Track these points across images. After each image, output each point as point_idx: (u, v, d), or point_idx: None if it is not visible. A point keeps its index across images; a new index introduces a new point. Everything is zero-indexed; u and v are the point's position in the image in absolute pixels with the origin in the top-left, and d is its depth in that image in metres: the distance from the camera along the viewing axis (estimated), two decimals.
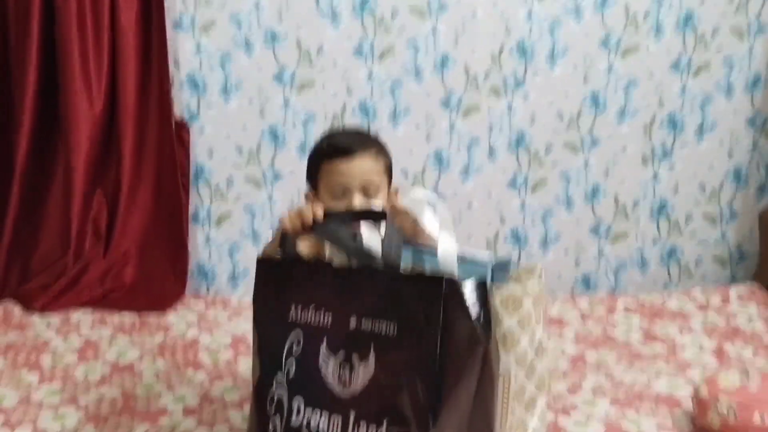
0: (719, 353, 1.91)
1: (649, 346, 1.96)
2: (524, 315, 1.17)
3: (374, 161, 1.43)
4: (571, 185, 2.45)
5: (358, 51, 2.29)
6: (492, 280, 1.22)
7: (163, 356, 1.85)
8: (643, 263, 2.52)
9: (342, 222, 1.25)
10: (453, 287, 1.08)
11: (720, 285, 2.45)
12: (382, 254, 1.15)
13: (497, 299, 1.17)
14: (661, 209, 2.48)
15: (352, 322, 1.13)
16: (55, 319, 2.08)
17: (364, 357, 1.10)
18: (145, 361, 1.82)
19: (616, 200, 2.47)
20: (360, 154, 1.41)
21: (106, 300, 2.23)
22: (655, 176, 2.46)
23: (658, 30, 2.35)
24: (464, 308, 1.09)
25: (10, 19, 2.17)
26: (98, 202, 2.31)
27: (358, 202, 1.39)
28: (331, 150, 1.42)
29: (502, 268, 1.26)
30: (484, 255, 1.27)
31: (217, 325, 2.07)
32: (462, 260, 1.24)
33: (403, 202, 1.33)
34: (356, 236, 1.22)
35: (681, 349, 1.94)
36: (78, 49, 2.16)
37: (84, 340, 1.94)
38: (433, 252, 1.19)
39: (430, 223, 1.19)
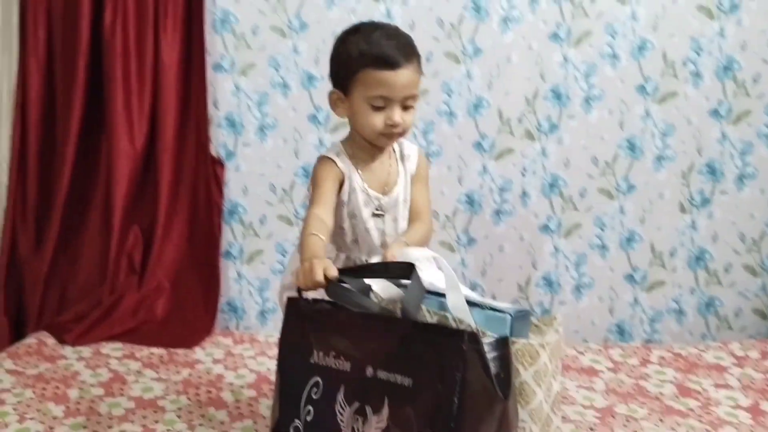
0: (755, 411, 1.83)
1: (681, 401, 1.89)
2: (540, 368, 1.15)
3: (416, 73, 1.39)
4: (606, 231, 2.41)
5: None
6: (512, 332, 1.20)
7: (186, 393, 1.87)
8: (680, 313, 2.45)
9: (356, 278, 1.22)
10: (473, 341, 1.05)
11: (760, 338, 2.37)
12: (402, 308, 1.13)
13: (513, 351, 1.15)
14: (699, 258, 2.42)
15: (369, 371, 1.12)
16: (87, 350, 2.11)
17: (377, 409, 1.08)
18: (168, 398, 1.83)
19: (653, 248, 2.42)
20: (406, 65, 1.35)
21: (137, 333, 2.26)
22: (693, 224, 2.40)
23: (696, 76, 2.32)
24: (484, 364, 1.06)
25: (58, 55, 2.26)
26: (134, 236, 2.36)
27: (398, 118, 1.37)
28: (377, 58, 1.33)
29: (522, 319, 1.24)
30: (503, 305, 1.25)
31: (242, 363, 2.08)
32: (481, 309, 1.22)
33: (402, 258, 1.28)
34: (370, 292, 1.21)
35: (715, 405, 1.87)
36: (122, 88, 2.24)
37: (112, 374, 1.96)
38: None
39: (436, 279, 1.19)
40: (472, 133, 2.35)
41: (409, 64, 1.36)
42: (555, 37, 2.31)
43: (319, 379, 1.21)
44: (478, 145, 2.36)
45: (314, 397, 1.21)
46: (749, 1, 2.28)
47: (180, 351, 2.15)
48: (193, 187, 2.35)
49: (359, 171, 1.46)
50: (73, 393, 1.84)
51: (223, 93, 2.34)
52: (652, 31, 2.30)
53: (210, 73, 2.31)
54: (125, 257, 2.34)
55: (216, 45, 2.31)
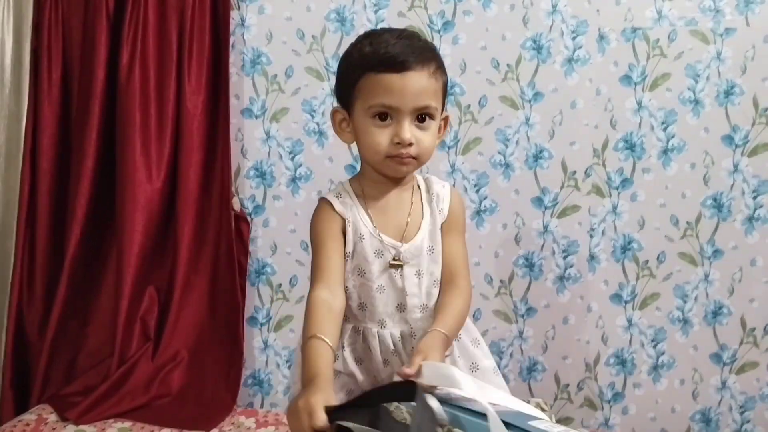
0: None
1: None
2: None
3: (433, 79, 1.10)
4: (689, 303, 2.07)
5: (440, 143, 2.05)
6: None
7: None
8: None
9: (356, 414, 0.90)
10: None
11: None
12: None
13: None
14: None
15: None
16: (90, 430, 1.86)
17: None
18: None
19: (743, 323, 2.07)
20: (417, 68, 1.07)
21: (149, 409, 2.00)
22: None
23: None
24: None
25: (73, 97, 2.07)
26: (149, 299, 2.12)
27: (408, 133, 1.08)
28: (378, 58, 1.07)
29: None
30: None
31: None
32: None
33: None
34: (377, 419, 0.90)
35: None
36: (139, 134, 2.02)
37: None
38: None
39: (469, 387, 0.88)
40: (532, 188, 2.07)
41: (421, 67, 1.08)
42: (627, 79, 2.03)
43: None
44: (539, 201, 2.07)
45: None
46: None
47: None
48: (215, 246, 2.10)
49: (369, 212, 1.17)
50: None
51: (252, 141, 2.11)
52: (740, 74, 2.00)
53: (238, 119, 2.09)
54: (138, 322, 2.10)
55: (245, 88, 2.09)
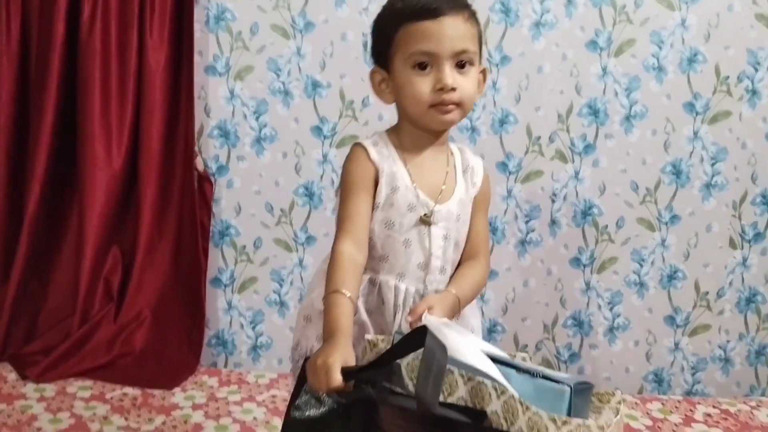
0: None
1: None
2: None
3: (470, 25, 1.10)
4: (645, 267, 2.13)
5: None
6: (570, 410, 0.92)
7: None
8: (726, 362, 2.16)
9: (370, 372, 0.91)
10: None
11: None
12: (416, 393, 0.84)
13: None
14: (750, 300, 2.14)
15: None
16: (51, 389, 1.86)
17: None
18: None
19: (697, 287, 2.13)
20: (452, 13, 1.08)
21: (111, 369, 2.01)
22: (744, 262, 2.12)
23: (753, 94, 2.04)
24: None
25: (32, 52, 2.01)
26: (112, 259, 2.10)
27: (450, 78, 1.08)
28: (412, 9, 1.09)
29: (583, 394, 0.95)
30: (558, 374, 0.97)
31: (226, 410, 1.81)
32: (531, 377, 0.94)
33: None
34: (392, 375, 0.92)
35: None
36: (100, 90, 1.99)
37: (74, 420, 1.70)
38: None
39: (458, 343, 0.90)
40: (497, 152, 2.08)
41: (456, 12, 1.08)
42: (593, 45, 2.04)
43: None
44: (503, 166, 2.09)
45: None
46: None
47: (157, 392, 1.90)
48: (179, 206, 2.09)
49: (407, 166, 1.15)
50: None
51: (216, 99, 2.08)
52: (704, 42, 2.03)
53: (201, 76, 2.06)
54: (102, 282, 2.08)
55: (209, 45, 2.05)
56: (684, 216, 2.11)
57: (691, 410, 1.94)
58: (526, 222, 2.12)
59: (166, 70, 2.03)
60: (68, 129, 2.02)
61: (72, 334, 2.02)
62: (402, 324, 1.15)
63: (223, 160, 2.11)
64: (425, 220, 1.15)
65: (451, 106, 1.10)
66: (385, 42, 1.12)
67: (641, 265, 2.13)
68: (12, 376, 1.92)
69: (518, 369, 0.95)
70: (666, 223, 2.11)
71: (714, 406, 1.97)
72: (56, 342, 2.02)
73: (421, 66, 1.09)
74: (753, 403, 1.99)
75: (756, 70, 2.04)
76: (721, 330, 2.15)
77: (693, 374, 2.17)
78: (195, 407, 1.82)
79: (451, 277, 1.19)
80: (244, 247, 2.13)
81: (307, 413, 0.97)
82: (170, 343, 2.09)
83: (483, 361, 0.93)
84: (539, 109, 2.06)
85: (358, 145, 1.16)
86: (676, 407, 1.96)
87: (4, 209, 2.06)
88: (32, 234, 2.04)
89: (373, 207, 1.14)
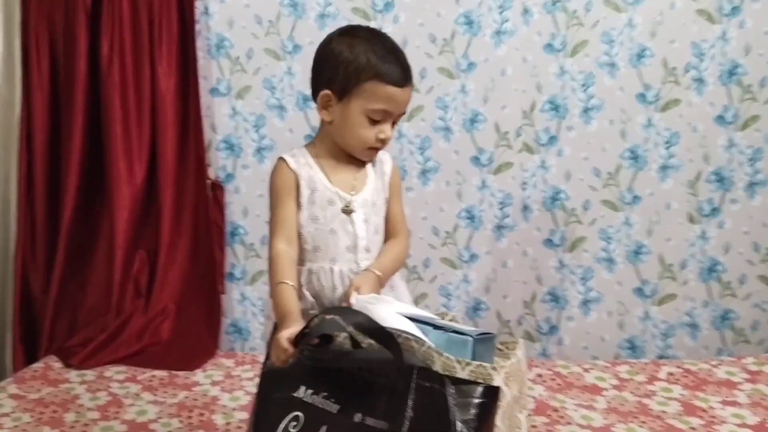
0: (761, 430, 1.75)
1: (684, 420, 1.82)
2: None
3: (411, 90, 1.36)
4: (612, 244, 2.35)
5: None
6: (474, 356, 1.17)
7: (179, 416, 1.88)
8: (693, 327, 2.36)
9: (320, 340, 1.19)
10: (425, 379, 1.04)
11: None
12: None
13: (464, 375, 1.11)
14: (711, 270, 2.34)
15: (357, 417, 1.09)
16: (91, 374, 2.15)
17: None
18: (161, 421, 1.85)
19: (662, 260, 2.34)
20: (410, 83, 1.34)
21: (142, 356, 2.29)
22: (704, 235, 2.32)
23: (700, 82, 2.25)
24: (440, 404, 1.03)
25: (60, 87, 2.33)
26: (140, 261, 2.40)
27: (390, 133, 1.34)
28: (388, 74, 1.30)
29: (485, 342, 1.20)
30: (467, 328, 1.22)
31: (239, 385, 2.08)
32: (444, 332, 1.20)
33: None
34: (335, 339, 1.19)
35: (720, 423, 1.79)
36: (120, 115, 2.29)
37: (111, 397, 1.99)
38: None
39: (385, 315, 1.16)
40: (470, 148, 2.33)
41: (410, 83, 1.35)
42: (550, 48, 2.27)
43: (300, 414, 1.18)
44: (476, 160, 2.33)
45: (291, 430, 1.18)
46: (752, 2, 2.20)
47: (181, 373, 2.17)
48: (194, 211, 2.38)
49: (324, 169, 1.39)
50: (69, 417, 1.87)
51: (221, 117, 2.37)
52: (650, 38, 2.25)
53: (207, 98, 2.35)
54: (131, 281, 2.38)
55: (212, 70, 2.35)
56: (644, 196, 2.32)
57: (656, 371, 2.14)
58: (501, 209, 2.35)
59: (176, 94, 2.33)
60: (95, 150, 2.33)
61: (107, 328, 2.32)
62: (342, 302, 1.37)
63: (230, 169, 2.39)
64: (346, 210, 1.37)
65: (379, 150, 1.39)
66: (348, 81, 1.32)
67: (609, 243, 2.35)
68: (57, 365, 2.21)
69: (434, 326, 1.20)
70: (629, 204, 2.33)
71: (678, 366, 2.17)
72: (94, 335, 2.31)
73: (375, 118, 1.33)
74: (714, 363, 2.18)
75: (701, 60, 2.25)
76: (687, 298, 2.35)
77: (664, 340, 2.37)
78: (213, 383, 2.10)
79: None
80: (252, 244, 2.42)
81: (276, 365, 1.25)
82: (192, 332, 2.37)
83: (404, 323, 1.17)
84: (505, 108, 2.30)
85: (280, 159, 1.40)
86: (643, 369, 2.16)
87: (44, 222, 2.37)
88: (69, 242, 2.34)
89: (299, 206, 1.37)
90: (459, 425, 1.03)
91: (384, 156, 1.46)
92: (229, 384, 2.10)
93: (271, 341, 1.25)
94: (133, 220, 2.38)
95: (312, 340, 1.17)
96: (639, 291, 2.36)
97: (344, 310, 1.19)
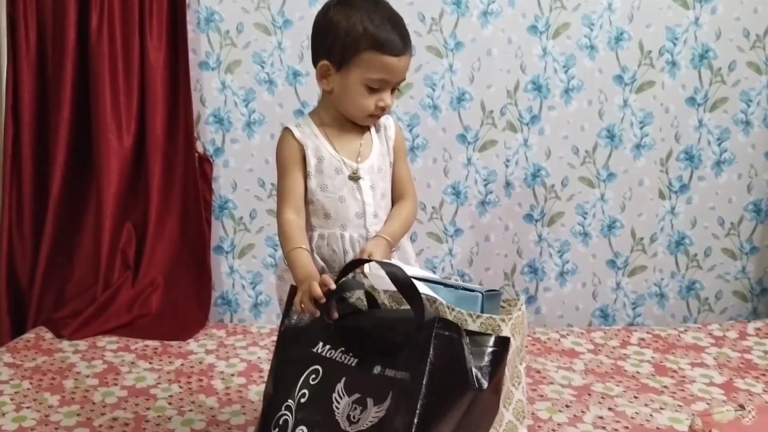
0: (728, 388, 1.90)
1: (657, 379, 1.95)
2: None
3: (410, 58, 1.40)
4: (588, 219, 2.47)
5: None
6: (482, 310, 1.26)
7: (178, 382, 1.93)
8: (661, 297, 2.51)
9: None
10: (445, 329, 1.11)
11: (740, 320, 2.43)
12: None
13: (475, 327, 1.20)
14: (679, 243, 2.48)
15: (377, 369, 1.15)
16: (83, 344, 2.18)
17: (379, 401, 1.11)
18: (160, 386, 1.90)
19: (633, 234, 2.47)
20: (407, 52, 1.35)
21: (132, 327, 2.32)
22: (673, 210, 2.46)
23: (673, 65, 2.37)
24: (456, 352, 1.11)
25: (48, 57, 2.31)
26: (127, 234, 2.41)
27: (389, 99, 1.37)
28: (385, 43, 1.32)
29: (492, 298, 1.30)
30: (475, 286, 1.31)
31: (234, 353, 2.14)
32: (454, 290, 1.29)
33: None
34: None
35: (690, 382, 1.93)
36: (109, 88, 2.29)
37: (106, 365, 2.02)
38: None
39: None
40: (456, 126, 2.41)
41: (408, 50, 1.37)
42: (533, 29, 2.36)
43: (319, 367, 1.23)
44: (462, 138, 2.42)
45: (311, 382, 1.23)
46: None
47: (174, 343, 2.21)
48: (183, 185, 2.40)
49: (329, 138, 1.43)
50: (68, 383, 1.90)
51: (210, 90, 2.39)
52: (628, 22, 2.35)
53: (196, 71, 2.37)
54: (119, 254, 2.40)
55: (202, 43, 2.36)
56: (619, 173, 2.44)
57: (627, 337, 2.27)
58: (485, 185, 2.45)
59: (165, 67, 2.34)
60: (83, 122, 2.32)
61: (96, 299, 2.34)
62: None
63: (219, 143, 2.42)
64: (353, 177, 1.42)
65: (381, 117, 1.43)
66: (345, 51, 1.34)
67: (585, 218, 2.47)
68: (48, 335, 2.22)
69: (445, 285, 1.28)
70: (604, 181, 2.45)
71: (648, 332, 2.31)
72: (83, 307, 2.33)
73: (373, 87, 1.36)
74: (682, 329, 2.33)
75: (674, 44, 2.37)
76: (656, 270, 2.50)
77: (633, 309, 2.51)
78: (207, 352, 2.14)
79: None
80: (242, 218, 2.46)
81: (295, 322, 1.32)
82: (182, 304, 2.40)
83: (417, 283, 1.25)
84: (491, 87, 2.39)
85: (285, 129, 1.45)
86: (616, 335, 2.29)
87: (31, 195, 2.36)
88: (56, 215, 2.35)
89: (308, 176, 1.41)
90: (474, 371, 1.12)
91: (387, 121, 1.50)
92: (224, 352, 2.15)
93: (288, 300, 1.32)
94: (121, 193, 2.39)
95: (336, 299, 1.25)
96: (611, 263, 2.49)
97: (381, 263, 1.25)
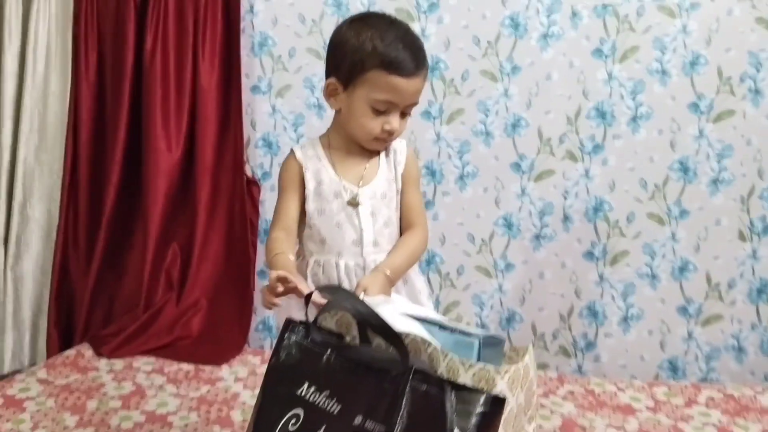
0: None
1: None
2: None
3: (424, 81, 1.31)
4: (657, 260, 2.24)
5: (426, 114, 2.27)
6: (479, 358, 1.12)
7: (198, 410, 1.87)
8: (739, 351, 2.23)
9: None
10: (422, 381, 0.99)
11: None
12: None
13: (468, 377, 1.06)
14: (761, 291, 2.21)
15: (358, 420, 1.07)
16: (120, 363, 2.17)
17: None
18: (179, 414, 1.85)
19: (708, 279, 2.23)
20: (418, 74, 1.27)
21: (172, 348, 2.30)
22: (754, 254, 2.20)
23: (756, 93, 2.14)
24: (435, 409, 0.98)
25: (106, 80, 2.37)
26: (172, 253, 2.41)
27: (396, 123, 1.29)
28: (392, 62, 1.24)
29: (492, 346, 1.15)
30: (475, 330, 1.17)
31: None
32: (451, 333, 1.16)
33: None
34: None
35: None
36: (160, 109, 2.31)
37: (135, 387, 2.00)
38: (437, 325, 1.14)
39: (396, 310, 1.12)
40: (510, 154, 2.27)
41: (421, 72, 1.28)
42: (598, 53, 2.20)
43: (300, 413, 1.16)
44: (516, 166, 2.27)
45: (290, 428, 1.16)
46: None
47: (207, 368, 2.17)
48: (230, 207, 2.38)
49: (332, 160, 1.36)
50: (91, 404, 1.88)
51: (260, 114, 2.37)
52: (705, 46, 2.15)
53: (248, 95, 2.35)
54: (163, 274, 2.40)
55: (254, 67, 2.35)
56: (693, 210, 2.21)
57: (695, 394, 2.03)
58: (540, 218, 2.28)
59: (217, 90, 2.34)
60: (136, 142, 2.36)
61: (139, 319, 2.35)
62: None
63: (267, 167, 2.39)
64: (352, 203, 1.34)
65: (389, 141, 1.35)
66: (352, 69, 1.27)
67: (653, 258, 2.25)
68: (89, 353, 2.24)
69: (441, 326, 1.15)
70: (675, 218, 2.22)
71: (719, 391, 2.05)
72: (126, 325, 2.34)
73: (379, 108, 1.28)
74: (759, 389, 2.06)
75: (758, 70, 2.13)
76: (734, 320, 2.23)
77: (707, 362, 2.25)
78: (237, 380, 2.09)
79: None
80: None
81: (284, 359, 1.23)
82: (223, 327, 2.37)
83: (410, 323, 1.13)
84: (549, 113, 2.23)
85: (290, 151, 1.40)
86: (682, 391, 2.05)
87: (87, 211, 2.41)
88: (109, 232, 2.38)
89: (305, 198, 1.35)
90: None
91: (399, 144, 1.41)
92: (252, 381, 2.09)
93: (281, 333, 1.23)
94: (168, 214, 2.40)
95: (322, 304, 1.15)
96: (683, 310, 2.25)
97: (348, 295, 1.15)
